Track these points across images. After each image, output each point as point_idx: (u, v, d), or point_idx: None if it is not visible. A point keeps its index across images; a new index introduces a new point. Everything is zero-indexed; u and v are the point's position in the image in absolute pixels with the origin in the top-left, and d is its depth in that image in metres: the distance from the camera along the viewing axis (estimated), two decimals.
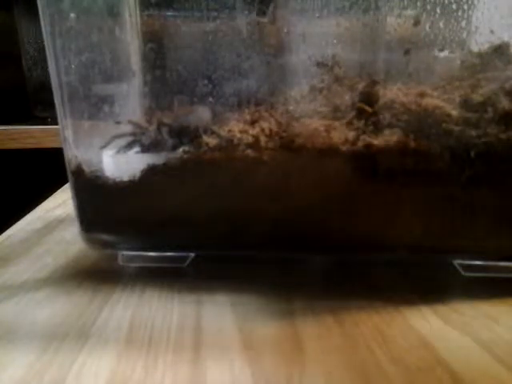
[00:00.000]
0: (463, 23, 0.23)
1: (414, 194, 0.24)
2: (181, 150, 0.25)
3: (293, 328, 0.22)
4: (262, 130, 0.24)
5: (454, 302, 0.24)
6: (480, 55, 0.23)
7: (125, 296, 0.25)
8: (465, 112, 0.23)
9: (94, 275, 0.28)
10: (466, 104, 0.23)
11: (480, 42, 0.23)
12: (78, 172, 0.26)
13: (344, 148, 0.24)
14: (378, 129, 0.24)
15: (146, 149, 0.26)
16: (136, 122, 0.26)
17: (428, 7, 0.23)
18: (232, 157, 0.25)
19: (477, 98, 0.23)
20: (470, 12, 0.23)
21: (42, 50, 0.81)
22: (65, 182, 0.47)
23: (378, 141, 0.24)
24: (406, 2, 0.23)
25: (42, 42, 0.25)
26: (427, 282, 0.27)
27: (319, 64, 0.24)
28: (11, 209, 0.49)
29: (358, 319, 0.23)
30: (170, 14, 0.25)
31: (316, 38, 0.24)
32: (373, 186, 0.25)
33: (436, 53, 0.23)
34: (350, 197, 0.25)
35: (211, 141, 0.25)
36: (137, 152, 0.26)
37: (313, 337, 0.21)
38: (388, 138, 0.24)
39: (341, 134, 0.24)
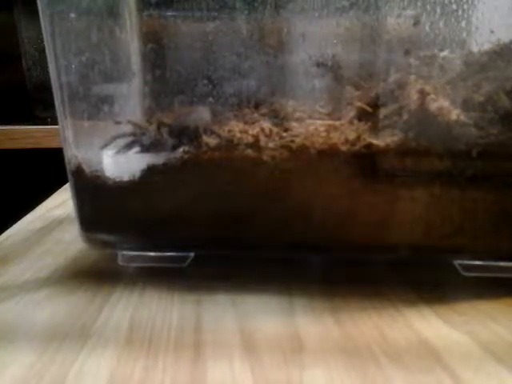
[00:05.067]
0: (463, 23, 0.23)
1: (414, 193, 0.24)
2: (181, 149, 0.25)
3: (293, 328, 0.22)
4: (262, 129, 0.24)
5: (454, 302, 0.24)
6: (480, 55, 0.23)
7: (125, 296, 0.25)
8: (465, 112, 0.23)
9: (94, 275, 0.28)
10: (466, 104, 0.23)
11: (480, 42, 0.23)
12: (78, 172, 0.26)
13: (344, 148, 0.24)
14: (378, 129, 0.24)
15: (145, 149, 0.26)
16: (136, 122, 0.26)
17: (428, 7, 0.23)
18: (232, 157, 0.25)
19: (478, 97, 0.23)
20: (470, 12, 0.23)
21: (42, 50, 0.81)
22: (65, 181, 0.47)
23: (378, 141, 0.24)
24: (405, 2, 0.23)
25: (42, 41, 0.25)
26: (427, 281, 0.27)
27: (319, 64, 0.24)
28: (11, 209, 0.49)
29: (358, 319, 0.23)
30: (169, 13, 0.25)
31: (316, 38, 0.24)
32: (373, 186, 0.25)
33: (436, 53, 0.23)
34: (350, 197, 0.25)
35: (211, 141, 0.25)
36: (137, 152, 0.26)
37: (313, 337, 0.21)
38: (388, 137, 0.24)
39: (341, 134, 0.24)
